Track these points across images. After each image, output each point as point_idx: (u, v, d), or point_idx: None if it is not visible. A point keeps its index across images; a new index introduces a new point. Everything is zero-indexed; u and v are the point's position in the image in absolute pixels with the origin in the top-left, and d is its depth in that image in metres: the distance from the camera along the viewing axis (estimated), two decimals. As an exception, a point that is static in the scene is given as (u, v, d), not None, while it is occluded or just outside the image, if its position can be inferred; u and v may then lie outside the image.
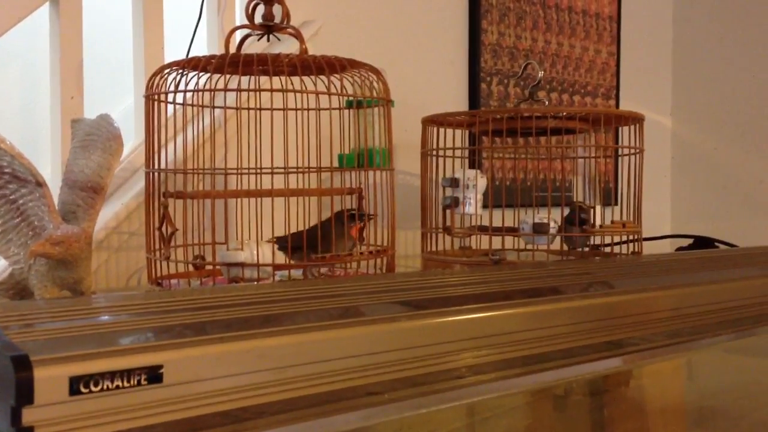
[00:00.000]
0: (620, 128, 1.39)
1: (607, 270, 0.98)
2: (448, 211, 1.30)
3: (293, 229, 1.00)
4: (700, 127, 2.35)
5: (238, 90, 0.98)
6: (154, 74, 1.04)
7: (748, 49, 2.25)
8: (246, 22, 1.06)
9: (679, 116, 2.40)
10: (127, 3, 1.33)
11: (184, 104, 1.02)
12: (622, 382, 0.91)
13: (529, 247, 1.28)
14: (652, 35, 2.35)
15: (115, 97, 1.54)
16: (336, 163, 1.13)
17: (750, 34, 2.25)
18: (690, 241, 1.54)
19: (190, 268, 1.08)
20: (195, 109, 1.10)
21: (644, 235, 1.37)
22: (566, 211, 1.29)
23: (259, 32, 1.07)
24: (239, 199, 1.10)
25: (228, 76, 1.00)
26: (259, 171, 1.02)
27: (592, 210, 1.34)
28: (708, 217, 2.31)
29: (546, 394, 0.81)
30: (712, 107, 2.33)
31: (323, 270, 1.10)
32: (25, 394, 0.43)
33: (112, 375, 0.46)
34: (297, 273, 1.11)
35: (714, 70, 2.32)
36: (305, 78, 1.03)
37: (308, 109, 1.04)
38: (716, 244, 1.52)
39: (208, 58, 1.00)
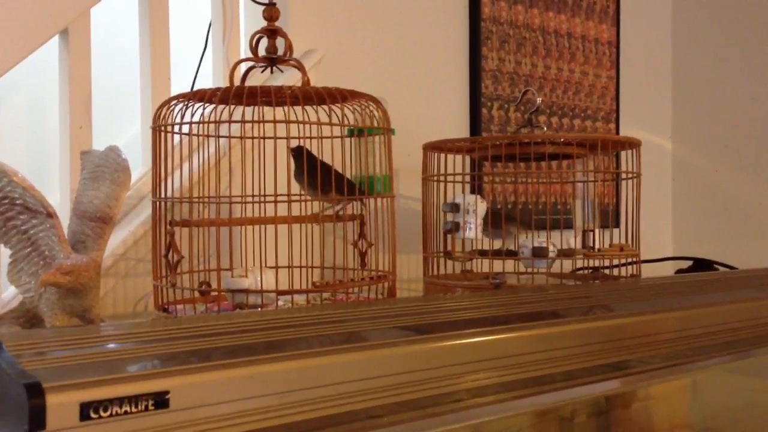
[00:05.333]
0: (620, 152, 1.41)
1: (606, 293, 0.99)
2: (449, 236, 1.32)
3: (296, 255, 1.02)
4: (700, 150, 2.37)
5: (242, 121, 1.01)
6: (161, 106, 1.06)
7: (747, 72, 2.27)
8: (250, 54, 1.08)
9: (679, 139, 2.42)
10: (134, 35, 1.36)
11: (189, 134, 1.05)
12: (626, 403, 0.92)
13: (529, 270, 1.30)
14: (651, 59, 2.38)
15: (121, 125, 1.57)
16: (338, 191, 1.16)
17: (749, 57, 2.27)
18: (690, 263, 1.56)
19: (196, 294, 1.10)
20: (200, 138, 1.12)
21: (645, 258, 1.38)
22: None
23: (262, 64, 1.09)
24: (243, 227, 1.12)
25: (232, 106, 1.02)
26: (262, 199, 1.04)
27: (592, 233, 1.35)
28: (709, 239, 2.32)
29: (551, 416, 0.82)
30: (711, 130, 2.34)
31: (326, 295, 1.12)
32: (37, 419, 0.44)
33: (120, 401, 0.47)
34: (300, 298, 1.13)
35: (713, 93, 2.34)
36: (307, 107, 1.05)
37: (310, 138, 1.07)
38: (715, 266, 1.53)
39: (214, 91, 1.02)
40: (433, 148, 1.35)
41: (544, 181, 1.66)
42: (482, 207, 1.31)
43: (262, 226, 1.12)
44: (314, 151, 1.07)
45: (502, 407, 0.66)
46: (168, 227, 1.04)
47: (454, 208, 1.29)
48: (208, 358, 0.54)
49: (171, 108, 1.06)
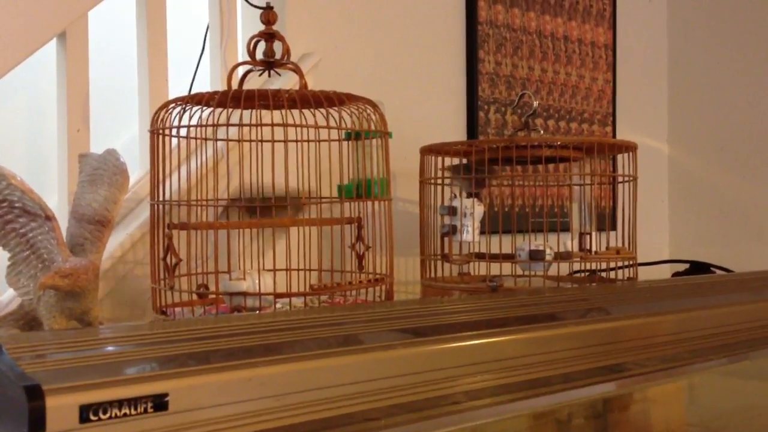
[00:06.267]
0: (616, 155, 1.42)
1: (603, 296, 1.00)
2: (446, 239, 1.32)
3: (293, 258, 1.02)
4: (696, 153, 2.38)
5: (240, 125, 1.01)
6: (159, 109, 1.07)
7: (744, 75, 2.28)
8: (247, 57, 1.09)
9: (676, 142, 2.42)
10: (132, 39, 1.36)
11: (188, 137, 1.05)
12: (623, 406, 0.92)
13: (526, 273, 1.30)
14: (648, 62, 2.39)
15: (119, 127, 1.57)
16: (335, 194, 1.16)
17: (745, 60, 2.28)
18: (686, 266, 1.56)
19: (194, 297, 1.10)
20: (198, 141, 1.13)
21: (642, 260, 1.39)
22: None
23: (260, 68, 1.10)
24: (241, 230, 1.12)
25: (230, 110, 1.03)
26: (260, 202, 1.04)
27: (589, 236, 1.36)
28: (706, 242, 2.33)
29: (548, 419, 0.82)
30: (708, 133, 2.35)
31: (323, 298, 1.12)
32: (37, 422, 0.45)
33: (119, 403, 0.48)
34: (298, 301, 1.13)
35: (710, 96, 2.35)
36: (305, 111, 1.05)
37: (308, 141, 1.07)
38: (712, 269, 1.54)
39: (211, 94, 1.03)
40: (430, 151, 1.36)
41: (541, 184, 1.66)
42: (479, 210, 1.31)
43: (260, 229, 1.12)
44: (312, 155, 1.07)
45: (499, 410, 0.66)
46: (166, 230, 1.04)
47: (451, 211, 1.30)
48: (206, 361, 0.55)
49: (169, 111, 1.06)
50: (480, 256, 1.31)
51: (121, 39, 1.49)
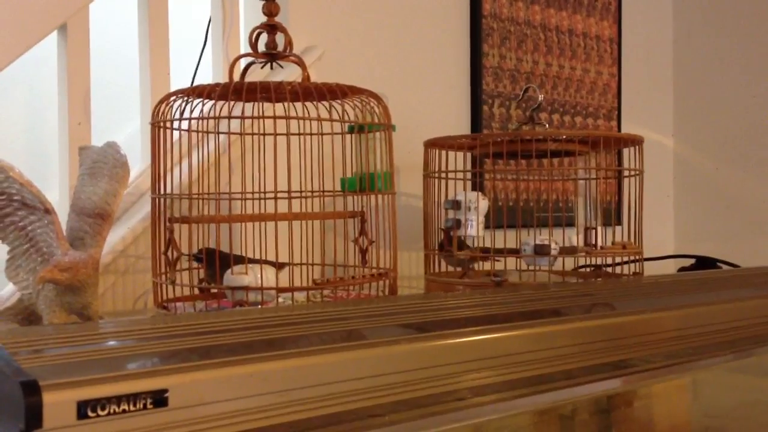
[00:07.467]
0: (622, 149, 1.41)
1: (609, 291, 0.99)
2: (450, 233, 1.31)
3: (296, 252, 1.01)
4: (701, 148, 2.37)
5: (242, 117, 1.00)
6: (161, 102, 1.06)
7: (749, 69, 2.27)
8: (249, 50, 1.08)
9: (681, 137, 2.41)
10: (133, 31, 1.35)
11: (189, 130, 1.04)
12: (628, 402, 0.91)
13: (531, 268, 1.29)
14: (653, 56, 2.37)
15: (121, 121, 1.56)
16: (338, 187, 1.15)
17: (750, 53, 2.27)
18: (692, 261, 1.55)
19: (195, 291, 1.09)
20: (200, 134, 1.12)
21: (647, 255, 1.38)
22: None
23: (262, 60, 1.08)
24: (243, 224, 1.12)
25: (232, 102, 1.02)
26: (262, 196, 1.03)
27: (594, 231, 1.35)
28: (711, 237, 2.32)
29: (552, 415, 0.82)
30: (713, 128, 2.34)
31: (326, 292, 1.11)
32: (34, 418, 0.44)
33: (118, 399, 0.47)
34: (301, 296, 1.12)
35: (715, 90, 2.34)
36: (307, 104, 1.04)
37: (310, 134, 1.06)
38: (718, 264, 1.53)
39: (213, 86, 1.02)
40: (434, 144, 1.35)
41: (546, 179, 1.66)
42: (484, 204, 1.30)
43: (263, 223, 1.12)
44: (314, 148, 1.06)
45: (504, 406, 0.66)
46: (167, 224, 1.03)
47: (456, 205, 1.29)
48: (207, 356, 0.54)
49: (170, 104, 1.05)
50: (485, 251, 1.30)
51: (122, 32, 1.48)
